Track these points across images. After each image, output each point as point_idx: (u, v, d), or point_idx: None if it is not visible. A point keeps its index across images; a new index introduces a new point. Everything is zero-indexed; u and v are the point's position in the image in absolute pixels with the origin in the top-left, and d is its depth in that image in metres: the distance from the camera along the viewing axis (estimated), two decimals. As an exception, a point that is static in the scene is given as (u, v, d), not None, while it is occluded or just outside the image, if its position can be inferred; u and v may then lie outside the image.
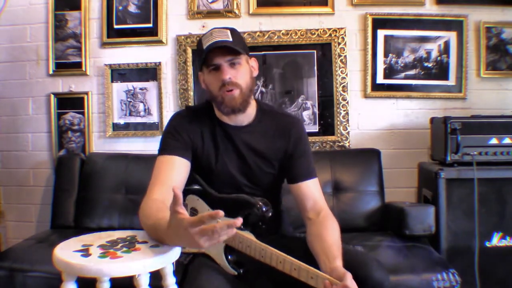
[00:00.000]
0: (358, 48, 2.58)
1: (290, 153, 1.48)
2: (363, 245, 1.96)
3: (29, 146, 2.74)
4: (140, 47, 2.66)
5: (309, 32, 2.55)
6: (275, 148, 1.48)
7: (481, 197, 2.05)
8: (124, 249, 1.21)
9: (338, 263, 1.20)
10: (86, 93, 2.68)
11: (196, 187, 1.50)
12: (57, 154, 2.67)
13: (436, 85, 2.55)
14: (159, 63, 2.64)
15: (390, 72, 2.56)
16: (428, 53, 2.54)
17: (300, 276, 1.17)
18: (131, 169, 2.42)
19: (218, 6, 2.61)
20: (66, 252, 1.18)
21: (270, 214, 1.35)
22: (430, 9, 2.53)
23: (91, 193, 2.39)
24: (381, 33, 2.55)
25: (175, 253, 1.23)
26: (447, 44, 2.53)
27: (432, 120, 2.39)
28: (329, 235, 1.31)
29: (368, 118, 2.59)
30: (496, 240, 2.10)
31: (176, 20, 2.64)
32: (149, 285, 1.18)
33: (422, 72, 2.55)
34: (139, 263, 1.13)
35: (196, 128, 1.47)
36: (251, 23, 2.59)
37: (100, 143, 2.70)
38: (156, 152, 2.65)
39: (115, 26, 2.65)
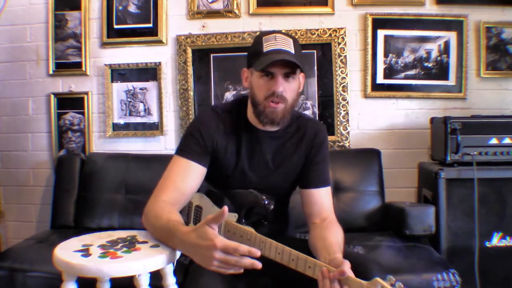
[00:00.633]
0: (358, 48, 2.58)
1: (310, 159, 1.47)
2: (363, 245, 1.96)
3: (29, 146, 2.74)
4: (140, 47, 2.66)
5: (309, 32, 2.55)
6: (299, 154, 1.47)
7: (481, 197, 2.05)
8: (124, 249, 1.21)
9: (338, 255, 1.20)
10: (86, 93, 2.68)
11: (202, 185, 1.50)
12: (57, 154, 2.67)
13: (436, 85, 2.55)
14: (159, 63, 2.64)
15: (390, 72, 2.56)
16: (428, 53, 2.54)
17: (298, 266, 1.16)
18: (131, 169, 2.42)
19: (218, 6, 2.61)
20: (66, 252, 1.18)
21: (272, 207, 1.36)
22: (430, 9, 2.53)
23: (91, 193, 2.39)
24: (381, 33, 2.55)
25: (175, 253, 1.23)
26: (447, 44, 2.53)
27: (432, 120, 2.39)
28: (331, 236, 1.31)
29: (368, 118, 2.59)
30: (496, 240, 2.10)
31: (176, 20, 2.64)
32: (149, 285, 1.18)
33: (422, 72, 2.55)
34: (139, 263, 1.13)
35: (222, 131, 1.44)
36: (251, 23, 2.59)
37: (100, 143, 2.70)
38: (156, 152, 2.69)
39: (115, 26, 2.65)
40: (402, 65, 2.56)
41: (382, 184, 2.34)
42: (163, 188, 1.35)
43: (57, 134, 2.69)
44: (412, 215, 2.04)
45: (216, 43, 2.60)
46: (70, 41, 2.67)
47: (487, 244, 2.09)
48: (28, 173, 2.75)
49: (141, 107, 2.67)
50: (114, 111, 2.68)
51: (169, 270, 1.26)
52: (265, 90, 1.35)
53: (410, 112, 2.58)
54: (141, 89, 2.67)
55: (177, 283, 1.29)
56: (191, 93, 2.63)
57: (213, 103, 2.63)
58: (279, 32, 1.39)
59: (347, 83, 2.55)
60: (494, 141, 2.14)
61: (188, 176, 1.37)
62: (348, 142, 2.57)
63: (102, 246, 1.23)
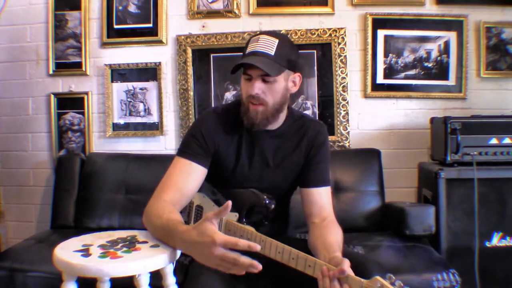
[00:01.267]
0: (358, 48, 2.58)
1: (310, 158, 1.47)
2: (363, 245, 1.96)
3: (29, 146, 2.74)
4: (140, 47, 2.66)
5: (309, 32, 2.55)
6: (300, 153, 1.48)
7: (481, 197, 2.05)
8: (124, 249, 1.21)
9: (338, 254, 1.20)
10: (86, 93, 2.68)
11: (203, 185, 1.50)
12: (57, 154, 2.67)
13: (436, 85, 2.55)
14: (159, 63, 2.64)
15: (390, 72, 2.56)
16: (428, 53, 2.54)
17: (298, 265, 1.16)
18: (131, 169, 2.42)
19: (218, 6, 2.61)
20: (66, 252, 1.18)
21: (273, 206, 1.37)
22: (430, 9, 2.53)
23: (91, 193, 2.39)
24: (381, 33, 2.55)
25: (175, 253, 1.23)
26: (447, 44, 2.53)
27: (432, 120, 2.39)
28: (331, 236, 1.31)
29: (368, 118, 2.59)
30: (496, 240, 2.10)
31: (176, 20, 2.64)
32: (149, 285, 1.18)
33: (422, 72, 2.55)
34: (139, 263, 1.13)
35: (223, 131, 1.45)
36: (251, 23, 2.59)
37: (100, 143, 2.70)
38: (156, 152, 2.69)
39: (115, 26, 2.65)
40: (402, 65, 2.56)
41: (382, 184, 2.34)
42: (165, 189, 1.36)
43: (57, 134, 2.69)
44: (412, 215, 2.04)
45: (216, 43, 2.60)
46: (70, 41, 2.67)
47: (487, 244, 2.09)
48: (28, 173, 2.75)
49: (141, 107, 2.67)
50: (114, 111, 2.68)
51: (169, 270, 1.26)
52: (245, 92, 1.38)
53: (410, 112, 2.58)
54: (141, 89, 2.67)
55: (177, 283, 1.29)
56: (191, 93, 2.63)
57: (213, 103, 2.63)
58: (267, 33, 1.38)
59: (347, 83, 2.55)
60: (494, 141, 2.14)
61: (189, 177, 1.38)
62: (348, 142, 2.57)
63: (102, 246, 1.23)
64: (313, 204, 1.44)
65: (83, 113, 2.68)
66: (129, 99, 2.68)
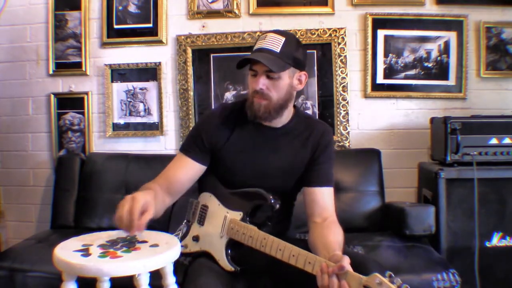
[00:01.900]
0: (358, 48, 2.58)
1: (315, 158, 1.48)
2: (363, 245, 1.96)
3: (29, 146, 2.74)
4: (140, 47, 2.66)
5: (309, 32, 2.55)
6: (305, 152, 1.48)
7: (481, 197, 2.05)
8: (124, 248, 1.21)
9: (338, 252, 1.20)
10: (86, 93, 2.68)
11: (210, 184, 1.53)
12: (57, 154, 2.67)
13: (436, 85, 2.55)
14: (159, 63, 2.64)
15: (390, 72, 2.56)
16: (428, 53, 2.54)
17: (297, 262, 1.18)
18: (131, 169, 2.42)
19: (218, 6, 2.61)
20: (66, 252, 1.18)
21: (278, 206, 1.38)
22: (430, 9, 2.53)
23: (91, 193, 2.39)
24: (381, 33, 2.55)
25: (175, 252, 1.23)
26: (447, 44, 2.53)
27: (432, 120, 2.39)
28: (332, 236, 1.32)
29: (368, 118, 2.59)
30: (496, 240, 2.10)
31: (176, 20, 2.64)
32: (149, 284, 1.18)
33: (422, 72, 2.55)
34: (139, 263, 1.13)
35: (225, 128, 1.49)
36: (251, 23, 2.59)
37: (100, 143, 2.70)
38: (156, 152, 2.70)
39: (115, 26, 2.65)
40: (402, 65, 2.56)
41: (382, 184, 2.34)
42: (160, 176, 1.50)
43: (57, 134, 2.69)
44: (412, 215, 2.04)
45: (216, 43, 2.60)
46: (70, 41, 2.67)
47: (487, 244, 2.09)
48: (28, 173, 2.75)
49: (141, 107, 2.67)
50: (114, 111, 2.68)
51: (169, 269, 1.26)
52: (251, 87, 1.43)
53: (410, 112, 2.58)
54: (141, 89, 2.67)
55: (177, 282, 1.29)
56: (191, 93, 2.63)
57: (213, 103, 2.63)
58: (275, 31, 1.43)
59: (347, 83, 2.56)
60: (494, 141, 2.14)
61: (181, 169, 1.48)
62: (348, 142, 2.57)
63: (102, 246, 1.23)
64: (315, 203, 1.44)
65: (83, 113, 2.68)
66: (129, 99, 2.68)
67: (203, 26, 2.63)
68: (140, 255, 1.17)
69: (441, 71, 2.54)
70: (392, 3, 2.53)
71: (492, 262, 2.07)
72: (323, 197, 1.45)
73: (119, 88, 2.67)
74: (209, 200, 1.50)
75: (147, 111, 2.67)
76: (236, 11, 2.59)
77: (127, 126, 2.69)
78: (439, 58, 2.54)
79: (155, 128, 2.67)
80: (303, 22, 2.57)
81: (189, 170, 1.48)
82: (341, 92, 2.55)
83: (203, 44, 2.61)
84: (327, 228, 1.36)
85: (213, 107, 2.60)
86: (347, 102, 2.56)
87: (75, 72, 2.68)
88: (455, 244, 2.09)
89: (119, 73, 2.67)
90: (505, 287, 2.09)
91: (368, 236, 2.10)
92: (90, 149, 2.68)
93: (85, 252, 1.18)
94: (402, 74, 2.56)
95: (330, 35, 2.55)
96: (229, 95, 2.62)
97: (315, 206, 1.44)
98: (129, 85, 2.67)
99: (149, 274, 1.17)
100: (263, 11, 2.59)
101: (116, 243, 1.26)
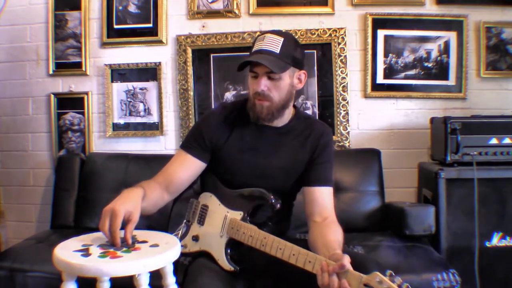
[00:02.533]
0: (358, 48, 2.58)
1: (314, 158, 1.49)
2: (363, 245, 1.96)
3: (29, 146, 2.74)
4: (140, 47, 2.66)
5: (309, 32, 2.55)
6: (304, 152, 1.49)
7: (481, 197, 2.05)
8: (124, 248, 1.21)
9: (338, 251, 1.21)
10: (86, 93, 2.68)
11: (211, 184, 1.53)
12: (57, 154, 2.67)
13: (436, 85, 2.55)
14: (159, 63, 2.64)
15: (390, 72, 2.56)
16: (428, 53, 2.54)
17: (298, 261, 1.19)
18: (131, 169, 2.41)
19: (218, 6, 2.61)
20: (66, 252, 1.18)
21: (279, 206, 1.39)
22: (430, 9, 2.53)
23: (91, 193, 2.39)
24: (381, 33, 2.55)
25: (175, 252, 1.23)
26: (447, 44, 2.53)
27: (432, 120, 2.39)
28: (331, 235, 1.32)
29: (368, 118, 2.59)
30: (496, 240, 2.10)
31: (176, 20, 2.64)
32: (149, 284, 1.18)
33: (422, 72, 2.55)
34: (139, 263, 1.13)
35: (225, 128, 1.49)
36: (251, 23, 2.59)
37: (100, 143, 2.70)
38: (156, 152, 2.70)
39: (115, 26, 2.65)
40: (402, 65, 2.56)
41: (382, 184, 2.34)
42: (161, 173, 1.50)
43: (57, 134, 2.69)
44: (412, 215, 2.04)
45: (216, 43, 2.60)
46: (70, 41, 2.67)
47: (487, 244, 2.09)
48: (28, 173, 2.75)
49: (141, 107, 2.67)
50: (114, 111, 2.68)
51: (169, 269, 1.26)
52: (252, 89, 1.43)
53: (410, 112, 2.58)
54: (141, 89, 2.67)
55: (177, 282, 1.29)
56: (191, 93, 2.63)
57: (213, 103, 2.63)
58: (273, 32, 1.43)
59: (347, 83, 2.55)
60: (494, 141, 2.14)
61: (182, 166, 1.49)
62: (348, 142, 2.57)
63: (102, 246, 1.23)
64: (314, 203, 1.45)
65: (83, 113, 2.68)
66: (129, 99, 2.68)
67: (203, 26, 2.63)
68: (140, 255, 1.17)
69: (441, 71, 2.54)
70: (392, 3, 2.53)
71: (492, 262, 2.07)
72: (323, 197, 1.45)
73: (119, 88, 2.67)
74: (210, 200, 1.50)
75: (147, 111, 2.67)
76: (236, 11, 2.59)
77: (127, 126, 2.69)
78: (439, 58, 2.54)
79: (155, 128, 2.67)
80: (303, 22, 2.57)
81: (189, 166, 1.49)
82: (341, 92, 2.55)
83: (203, 44, 2.61)
84: (327, 228, 1.37)
85: (213, 107, 2.60)
86: (347, 102, 2.56)
87: (75, 72, 2.68)
88: (455, 244, 2.09)
89: (119, 73, 2.67)
90: (505, 287, 2.09)
91: (368, 236, 2.10)
92: (90, 149, 2.68)
93: (85, 252, 1.18)
94: (402, 74, 2.56)
95: (330, 35, 2.55)
96: (229, 95, 2.62)
97: (315, 206, 1.44)
98: (129, 85, 2.67)
99: (149, 274, 1.17)
100: (263, 11, 2.59)
101: (116, 243, 1.26)
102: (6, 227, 2.77)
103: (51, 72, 2.69)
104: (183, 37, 2.62)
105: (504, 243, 2.10)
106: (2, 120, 2.76)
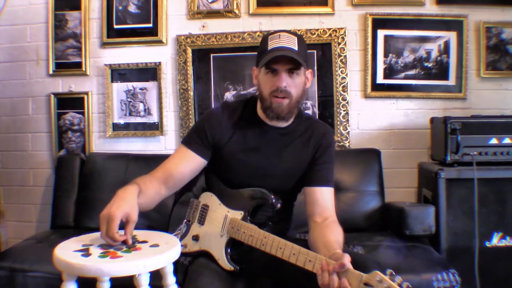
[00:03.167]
0: (358, 48, 2.58)
1: (316, 158, 1.49)
2: (363, 245, 1.96)
3: (29, 146, 2.74)
4: (140, 47, 2.66)
5: (309, 32, 2.55)
6: (306, 153, 1.49)
7: (481, 197, 2.05)
8: (124, 248, 1.21)
9: (338, 250, 1.21)
10: (86, 93, 2.68)
11: (212, 184, 1.53)
12: (57, 154, 2.67)
13: (436, 85, 2.55)
14: (159, 63, 2.64)
15: (390, 72, 2.56)
16: (428, 53, 2.54)
17: (298, 261, 1.19)
18: (131, 169, 2.41)
19: (218, 6, 2.61)
20: (66, 252, 1.18)
21: (279, 206, 1.39)
22: (430, 9, 2.53)
23: (91, 193, 2.39)
24: (381, 33, 2.55)
25: (175, 252, 1.23)
26: (447, 44, 2.53)
27: (432, 120, 2.39)
28: (332, 235, 1.32)
29: (368, 118, 2.59)
30: (496, 240, 2.10)
31: (176, 20, 2.64)
32: (149, 284, 1.18)
33: (422, 72, 2.55)
34: (139, 263, 1.13)
35: (228, 127, 1.49)
36: (251, 23, 2.59)
37: (100, 143, 2.70)
38: (156, 152, 2.70)
39: (115, 26, 2.65)
40: (402, 65, 2.56)
41: (382, 184, 2.34)
42: (160, 167, 1.49)
43: (57, 134, 2.69)
44: (412, 215, 2.04)
45: (216, 43, 2.60)
46: (70, 41, 2.67)
47: (487, 244, 2.09)
48: (28, 173, 2.75)
49: (141, 107, 2.67)
50: (114, 111, 2.68)
51: (169, 269, 1.26)
52: (270, 86, 1.41)
53: (410, 112, 2.58)
54: (141, 89, 2.67)
55: (177, 283, 1.29)
56: (191, 93, 2.63)
57: (213, 103, 2.63)
58: (284, 31, 1.44)
59: (347, 83, 2.56)
60: (494, 141, 2.14)
61: (182, 161, 1.48)
62: (348, 142, 2.57)
63: (102, 246, 1.23)
64: (315, 203, 1.45)
65: (83, 113, 2.68)
66: (129, 99, 2.68)
67: (203, 26, 2.63)
68: (140, 255, 1.17)
69: (441, 71, 2.54)
70: (392, 3, 2.53)
71: (492, 262, 2.07)
72: (324, 197, 1.45)
73: (119, 88, 2.67)
74: (210, 199, 1.50)
75: (147, 111, 2.67)
76: (236, 11, 2.59)
77: (127, 126, 2.69)
78: (439, 58, 2.54)
79: (155, 128, 2.67)
80: (303, 22, 2.57)
81: (189, 162, 1.48)
82: (341, 92, 2.55)
83: (203, 44, 2.61)
84: (328, 228, 1.37)
85: (213, 107, 2.60)
86: (347, 102, 2.56)
87: (75, 72, 2.68)
88: (455, 244, 2.09)
89: (119, 73, 2.67)
90: (505, 287, 2.09)
91: (368, 236, 2.10)
92: (90, 149, 2.68)
93: (85, 252, 1.18)
94: (402, 74, 2.56)
95: (330, 35, 2.55)
96: (229, 95, 2.62)
97: (316, 206, 1.44)
98: (129, 85, 2.67)
99: (149, 274, 1.17)
100: (263, 11, 2.59)
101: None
102: (6, 227, 2.77)
103: (51, 72, 2.69)
104: (183, 37, 2.62)
105: (504, 243, 2.10)
106: (2, 120, 2.76)
